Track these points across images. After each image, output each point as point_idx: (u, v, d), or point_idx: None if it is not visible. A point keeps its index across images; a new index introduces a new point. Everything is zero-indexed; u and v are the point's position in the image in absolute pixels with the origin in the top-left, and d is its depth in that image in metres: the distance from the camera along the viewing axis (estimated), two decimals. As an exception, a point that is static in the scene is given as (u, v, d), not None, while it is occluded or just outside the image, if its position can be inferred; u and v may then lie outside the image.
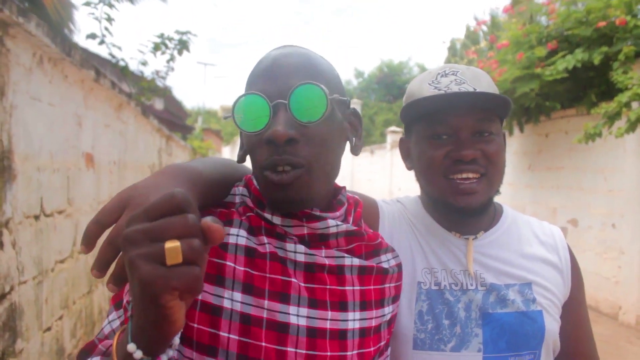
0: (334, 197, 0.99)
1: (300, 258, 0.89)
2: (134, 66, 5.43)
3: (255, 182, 0.94)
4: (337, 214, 0.95)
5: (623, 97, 5.40)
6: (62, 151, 2.84)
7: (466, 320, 1.12)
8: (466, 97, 1.09)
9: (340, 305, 0.91)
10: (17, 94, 2.18)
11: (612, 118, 5.64)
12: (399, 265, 1.07)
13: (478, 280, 1.14)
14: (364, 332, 0.93)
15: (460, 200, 1.10)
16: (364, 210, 1.12)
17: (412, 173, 1.23)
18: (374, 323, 0.96)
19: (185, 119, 23.07)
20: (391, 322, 1.05)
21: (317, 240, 0.91)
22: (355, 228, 0.95)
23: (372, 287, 0.97)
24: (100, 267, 0.66)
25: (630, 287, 6.11)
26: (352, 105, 1.02)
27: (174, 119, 17.56)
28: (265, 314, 0.84)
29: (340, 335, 0.89)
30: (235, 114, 0.87)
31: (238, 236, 0.88)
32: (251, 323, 0.83)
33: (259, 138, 0.86)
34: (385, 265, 1.02)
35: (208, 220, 0.56)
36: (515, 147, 8.75)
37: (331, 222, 0.90)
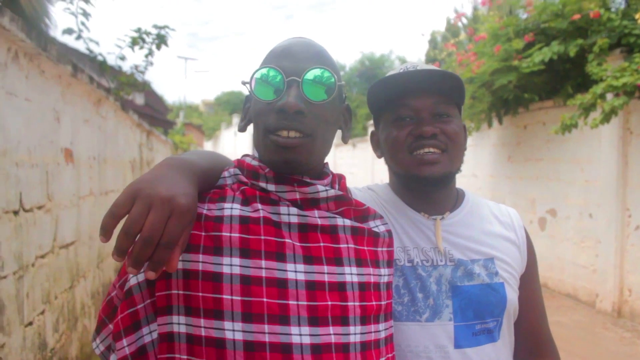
0: (321, 170, 1.10)
1: (294, 220, 0.98)
2: (112, 61, 5.42)
3: (247, 160, 1.05)
4: (325, 181, 1.05)
5: (598, 89, 5.51)
6: (41, 146, 2.83)
7: (438, 293, 1.21)
8: (422, 73, 1.20)
9: (336, 260, 0.98)
10: (-6, 89, 2.18)
11: (587, 109, 5.75)
12: (389, 232, 1.16)
13: (447, 257, 1.24)
14: (363, 286, 1.01)
15: (423, 169, 1.21)
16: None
17: None
18: (372, 280, 1.04)
19: (167, 113, 22.93)
20: (390, 286, 1.13)
21: (309, 204, 1.01)
22: (342, 193, 1.05)
23: (365, 247, 1.05)
24: (119, 253, 0.78)
25: (607, 275, 6.25)
26: (351, 125, 1.16)
27: (155, 114, 17.44)
28: (264, 273, 0.92)
29: (339, 287, 0.97)
30: (251, 82, 1.00)
31: (232, 208, 0.97)
32: (251, 283, 0.90)
33: (270, 106, 0.98)
34: (375, 229, 1.11)
35: None
36: (494, 139, 8.86)
37: (320, 187, 1.01)
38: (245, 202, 0.99)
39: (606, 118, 5.48)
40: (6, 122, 2.31)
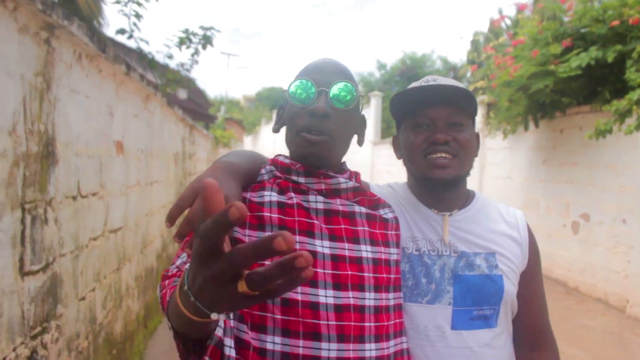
0: (340, 166, 1.31)
1: (320, 206, 1.20)
2: (160, 58, 5.73)
3: (280, 158, 1.27)
4: (345, 175, 1.27)
5: (634, 95, 5.52)
6: (96, 139, 3.11)
7: (440, 280, 1.36)
8: (438, 88, 1.36)
9: (354, 240, 1.20)
10: (60, 87, 2.45)
11: (622, 115, 5.76)
12: (396, 219, 1.37)
13: (451, 248, 1.39)
14: (376, 261, 1.22)
15: (435, 173, 1.36)
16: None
17: None
18: (383, 256, 1.25)
19: (208, 108, 23.39)
20: (398, 264, 1.33)
21: (332, 194, 1.23)
22: (359, 185, 1.27)
23: (377, 230, 1.27)
24: (180, 237, 0.98)
25: (638, 281, 6.24)
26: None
27: (197, 108, 17.87)
28: (297, 246, 1.12)
29: (357, 261, 1.18)
30: (290, 90, 1.23)
31: (271, 196, 1.19)
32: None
33: (303, 110, 1.20)
34: (385, 216, 1.32)
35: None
36: (530, 142, 8.86)
37: (342, 179, 1.23)
38: (281, 192, 1.20)
39: (641, 124, 5.49)
40: (69, 117, 2.59)
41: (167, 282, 1.04)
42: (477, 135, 1.47)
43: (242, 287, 0.62)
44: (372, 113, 19.57)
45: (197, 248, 0.62)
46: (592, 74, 6.80)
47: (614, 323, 6.18)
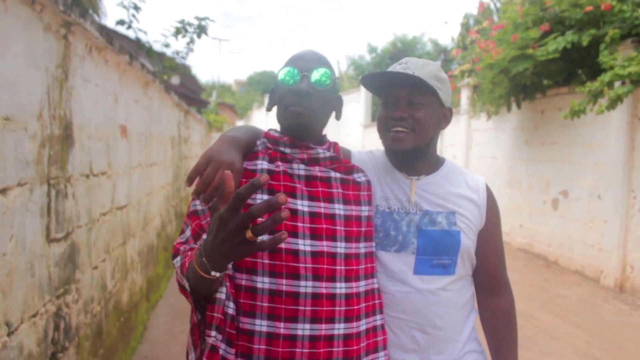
0: (321, 138, 1.57)
1: (302, 172, 1.46)
2: (157, 47, 6.02)
3: (272, 132, 1.53)
4: (324, 146, 1.53)
5: (605, 77, 5.84)
6: (104, 123, 3.41)
7: (406, 233, 1.60)
8: (393, 75, 1.58)
9: (329, 200, 1.46)
10: (75, 77, 2.75)
11: (595, 96, 6.09)
12: (369, 182, 1.63)
13: (417, 207, 1.62)
14: (347, 217, 1.48)
15: (393, 144, 1.59)
16: (343, 153, 1.66)
17: None
18: (354, 213, 1.50)
19: (200, 93, 23.51)
20: (369, 219, 1.57)
21: (312, 162, 1.49)
22: (335, 154, 1.53)
23: (350, 192, 1.52)
24: (197, 194, 1.32)
25: (611, 254, 6.62)
26: (341, 109, 1.68)
27: (189, 94, 18.02)
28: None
29: (331, 217, 1.45)
30: (279, 76, 1.50)
31: (262, 164, 1.46)
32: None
33: (289, 90, 1.46)
34: (358, 179, 1.58)
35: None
36: (513, 122, 9.20)
37: (320, 150, 1.49)
38: (271, 160, 1.47)
39: (612, 105, 5.82)
40: (82, 103, 2.89)
41: (183, 253, 1.39)
42: (448, 110, 1.67)
43: (248, 234, 1.03)
44: (362, 97, 19.82)
45: (225, 208, 1.04)
46: (569, 56, 7.12)
47: (588, 292, 6.57)
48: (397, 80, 1.59)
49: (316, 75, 1.47)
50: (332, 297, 1.39)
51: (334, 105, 1.59)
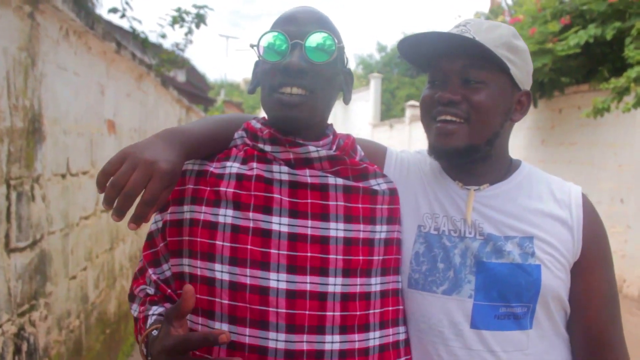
0: (323, 131, 1.18)
1: (285, 177, 1.08)
2: (153, 39, 5.68)
3: (252, 122, 1.15)
4: (320, 142, 1.12)
5: (632, 73, 5.47)
6: (86, 117, 3.08)
7: (460, 266, 1.15)
8: (443, 38, 1.13)
9: (322, 216, 1.07)
10: (46, 63, 2.41)
11: (620, 93, 5.72)
12: (392, 190, 1.20)
13: (477, 230, 1.16)
14: (349, 241, 1.08)
15: (438, 140, 1.15)
16: (368, 152, 1.26)
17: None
18: (362, 235, 1.10)
19: (208, 91, 23.35)
20: (390, 242, 1.16)
21: (302, 164, 1.09)
22: (335, 153, 1.11)
23: (359, 205, 1.11)
24: (107, 202, 0.91)
25: (635, 261, 6.25)
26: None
27: (196, 91, 17.82)
28: (251, 224, 1.05)
29: (321, 240, 1.06)
30: (259, 46, 1.10)
31: (232, 167, 1.10)
32: (239, 231, 1.04)
33: (275, 66, 1.07)
34: (375, 187, 1.16)
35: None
36: (528, 122, 8.82)
37: (312, 147, 1.09)
38: (244, 161, 1.11)
39: (639, 102, 5.45)
40: (57, 93, 2.55)
41: (138, 305, 1.15)
42: (525, 95, 1.20)
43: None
44: (371, 95, 19.49)
45: (171, 342, 0.92)
46: (590, 52, 6.75)
47: (611, 302, 6.19)
48: (448, 47, 1.14)
49: (313, 42, 1.07)
50: (319, 357, 1.02)
51: (340, 82, 1.18)
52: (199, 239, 1.06)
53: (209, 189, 1.09)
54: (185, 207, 1.10)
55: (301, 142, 1.09)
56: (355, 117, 20.17)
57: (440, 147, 1.16)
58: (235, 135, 1.18)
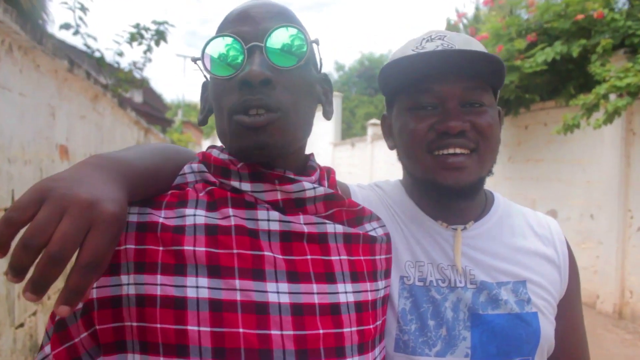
0: (305, 163, 0.91)
1: (275, 227, 0.79)
2: (110, 57, 5.34)
3: (215, 153, 0.86)
4: (312, 178, 0.86)
5: (601, 89, 5.47)
6: (35, 142, 2.77)
7: (453, 322, 1.00)
8: (451, 56, 0.95)
9: (327, 276, 0.80)
10: (-15, 82, 2.11)
11: (590, 109, 5.71)
12: (388, 235, 0.98)
13: (467, 277, 1.02)
14: (360, 307, 0.83)
15: (448, 176, 0.97)
16: (340, 189, 1.04)
17: (393, 166, 1.14)
18: (370, 297, 0.86)
19: (165, 112, 22.87)
20: (385, 301, 0.95)
21: (293, 206, 0.82)
22: (333, 191, 0.86)
23: (362, 257, 0.87)
24: (16, 273, 0.57)
25: (608, 277, 6.21)
26: (332, 98, 0.95)
27: (153, 112, 17.38)
28: (238, 296, 0.74)
29: (332, 310, 0.79)
30: (204, 59, 0.81)
31: (195, 216, 0.78)
32: (223, 309, 0.73)
33: (230, 83, 0.79)
34: (372, 233, 0.92)
35: None
36: (495, 139, 8.82)
37: (307, 184, 0.82)
38: (213, 206, 0.80)
39: (609, 119, 5.44)
40: (-1, 117, 2.25)
41: None
42: (500, 112, 1.06)
43: None
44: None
45: None
46: (556, 69, 6.75)
47: (586, 320, 6.04)
48: (443, 65, 0.95)
49: (276, 41, 0.80)
50: None
51: (318, 91, 0.91)
52: (158, 325, 0.72)
53: (162, 249, 0.75)
54: (124, 278, 0.74)
55: (292, 176, 0.82)
56: (314, 137, 20.05)
57: (450, 184, 0.97)
58: (186, 170, 0.86)
